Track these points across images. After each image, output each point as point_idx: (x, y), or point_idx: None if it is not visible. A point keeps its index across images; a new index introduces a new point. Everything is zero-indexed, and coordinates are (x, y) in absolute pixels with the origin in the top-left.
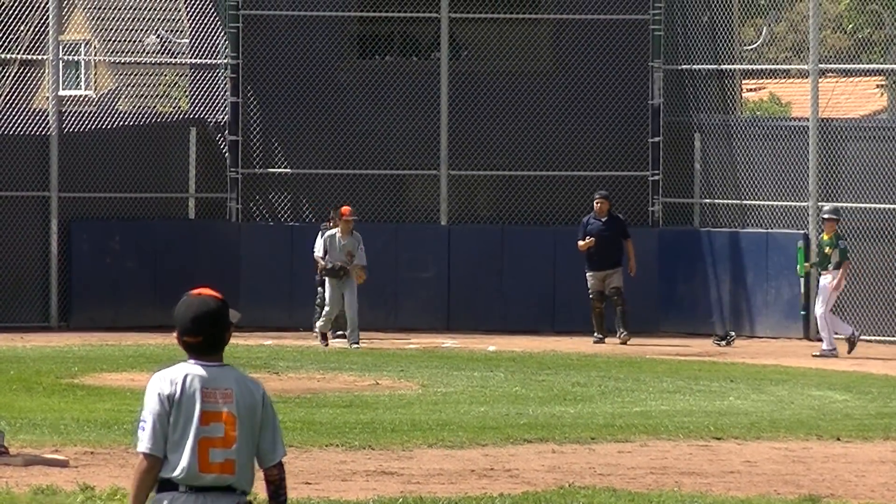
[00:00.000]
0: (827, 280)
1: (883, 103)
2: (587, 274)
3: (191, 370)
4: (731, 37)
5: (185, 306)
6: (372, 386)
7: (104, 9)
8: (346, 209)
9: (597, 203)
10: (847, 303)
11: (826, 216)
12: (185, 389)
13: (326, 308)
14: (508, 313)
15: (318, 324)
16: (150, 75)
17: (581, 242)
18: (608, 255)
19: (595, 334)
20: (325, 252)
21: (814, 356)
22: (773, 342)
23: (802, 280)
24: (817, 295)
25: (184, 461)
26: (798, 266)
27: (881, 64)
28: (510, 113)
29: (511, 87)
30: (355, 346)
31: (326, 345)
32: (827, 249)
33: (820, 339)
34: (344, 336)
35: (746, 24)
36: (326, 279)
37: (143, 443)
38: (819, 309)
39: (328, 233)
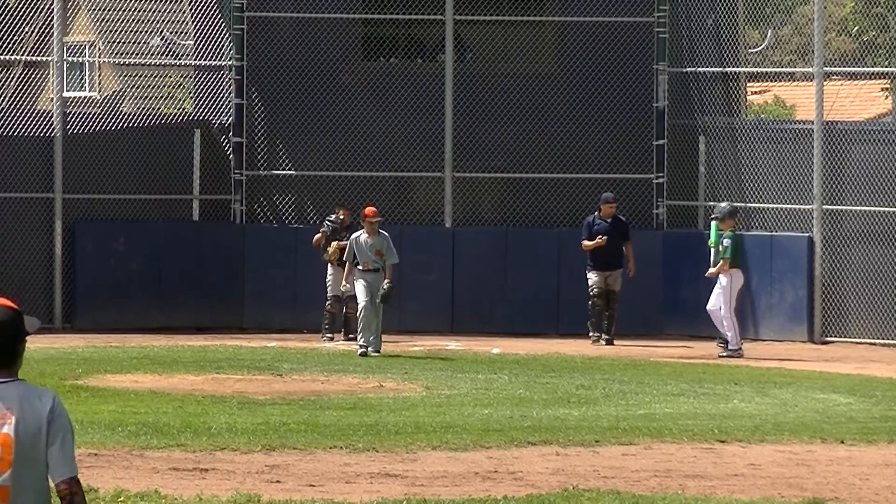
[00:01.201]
0: (725, 280)
1: (888, 106)
2: (590, 273)
3: None
4: (736, 39)
5: None
6: (376, 388)
7: (108, 10)
8: (370, 210)
9: (605, 206)
10: (851, 306)
11: (714, 216)
12: None
13: (361, 315)
14: (513, 315)
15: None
16: (155, 77)
17: (589, 242)
18: (613, 256)
19: (592, 334)
20: (353, 255)
21: (720, 356)
22: (778, 345)
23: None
24: (718, 293)
25: None
26: (711, 238)
27: (886, 67)
28: (515, 115)
29: (516, 90)
30: (375, 353)
31: (365, 352)
32: (720, 247)
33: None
34: (354, 338)
35: (751, 27)
36: (356, 282)
37: None
38: (723, 309)
39: (354, 235)
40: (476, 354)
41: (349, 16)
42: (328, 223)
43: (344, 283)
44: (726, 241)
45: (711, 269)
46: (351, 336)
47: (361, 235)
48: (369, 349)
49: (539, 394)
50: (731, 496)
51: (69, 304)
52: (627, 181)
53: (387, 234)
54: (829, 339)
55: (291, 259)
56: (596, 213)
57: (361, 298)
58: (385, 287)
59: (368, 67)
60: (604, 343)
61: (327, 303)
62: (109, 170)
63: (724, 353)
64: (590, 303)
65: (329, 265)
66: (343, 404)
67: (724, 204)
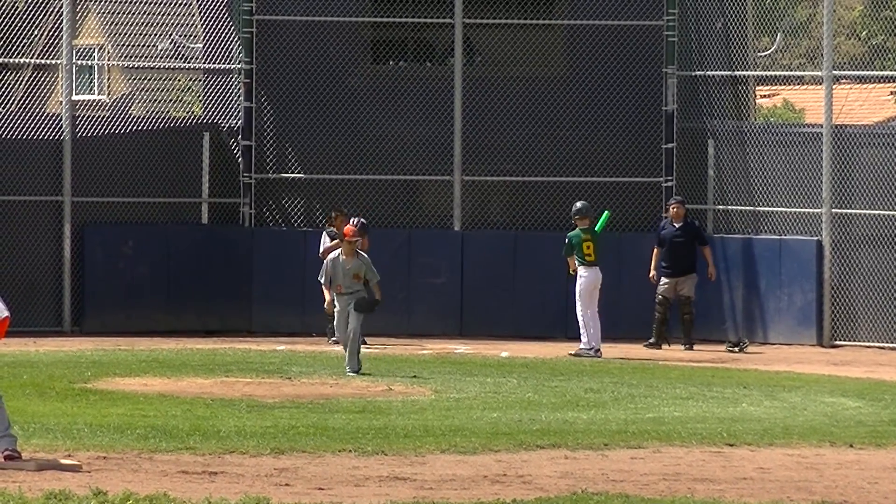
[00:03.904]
0: (581, 277)
1: None
2: (660, 279)
3: None
4: (745, 43)
5: None
6: (385, 391)
7: (118, 13)
8: (349, 230)
9: (673, 208)
10: (860, 310)
11: (575, 214)
12: None
13: (338, 335)
14: (521, 319)
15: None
16: (164, 80)
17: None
18: (682, 261)
19: (651, 339)
20: (329, 277)
21: (570, 354)
22: (786, 349)
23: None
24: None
25: None
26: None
27: (895, 71)
28: (524, 119)
29: (525, 93)
30: (352, 373)
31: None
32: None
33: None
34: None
35: (760, 31)
36: (335, 298)
37: None
38: (578, 307)
39: (331, 255)
40: (485, 358)
41: (358, 19)
42: (328, 236)
43: (327, 306)
44: (574, 239)
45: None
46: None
47: (340, 256)
48: (349, 370)
49: (548, 397)
50: (739, 500)
51: (78, 307)
52: (636, 185)
53: (367, 258)
54: (837, 342)
55: (300, 262)
56: (667, 217)
57: (338, 330)
58: (368, 298)
59: (377, 71)
60: (683, 348)
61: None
62: (118, 173)
63: (574, 352)
64: (655, 307)
65: None
66: (352, 408)
67: (579, 203)
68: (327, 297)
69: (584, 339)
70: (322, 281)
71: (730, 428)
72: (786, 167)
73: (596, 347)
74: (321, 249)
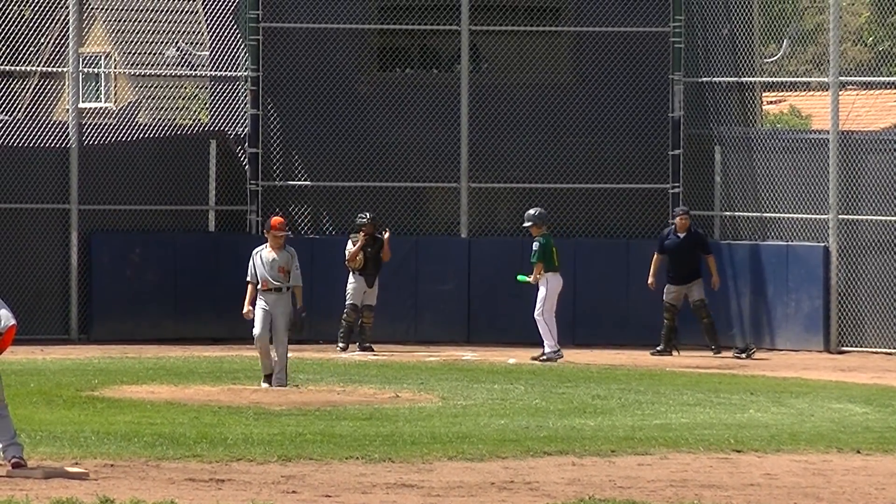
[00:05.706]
0: (541, 284)
1: None
2: (666, 286)
3: None
4: (752, 49)
5: None
6: (392, 398)
7: (124, 21)
8: (276, 221)
9: (678, 219)
10: (867, 316)
11: (525, 223)
12: None
13: (256, 332)
14: (529, 326)
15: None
16: (170, 88)
17: (532, 277)
18: (686, 269)
19: (659, 347)
20: (254, 273)
21: (532, 359)
22: (794, 355)
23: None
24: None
25: None
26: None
27: None
28: (530, 125)
29: (531, 100)
30: (280, 386)
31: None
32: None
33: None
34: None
35: (767, 37)
36: (260, 295)
37: None
38: (536, 311)
39: (256, 249)
40: (492, 365)
41: (364, 26)
42: (352, 242)
43: (247, 307)
44: (535, 245)
45: (528, 278)
46: (366, 346)
47: (263, 249)
48: (273, 384)
49: (555, 404)
50: None
51: (85, 315)
52: (643, 191)
53: (293, 250)
54: (845, 348)
55: (307, 270)
56: (672, 226)
57: (257, 325)
58: (302, 316)
59: (384, 78)
60: (712, 353)
61: (345, 312)
62: (125, 181)
63: (543, 357)
64: (663, 314)
65: (351, 273)
66: (359, 415)
67: (533, 210)
68: (246, 304)
69: (548, 343)
70: (249, 280)
71: (737, 434)
72: (792, 173)
73: (556, 348)
74: (347, 256)
